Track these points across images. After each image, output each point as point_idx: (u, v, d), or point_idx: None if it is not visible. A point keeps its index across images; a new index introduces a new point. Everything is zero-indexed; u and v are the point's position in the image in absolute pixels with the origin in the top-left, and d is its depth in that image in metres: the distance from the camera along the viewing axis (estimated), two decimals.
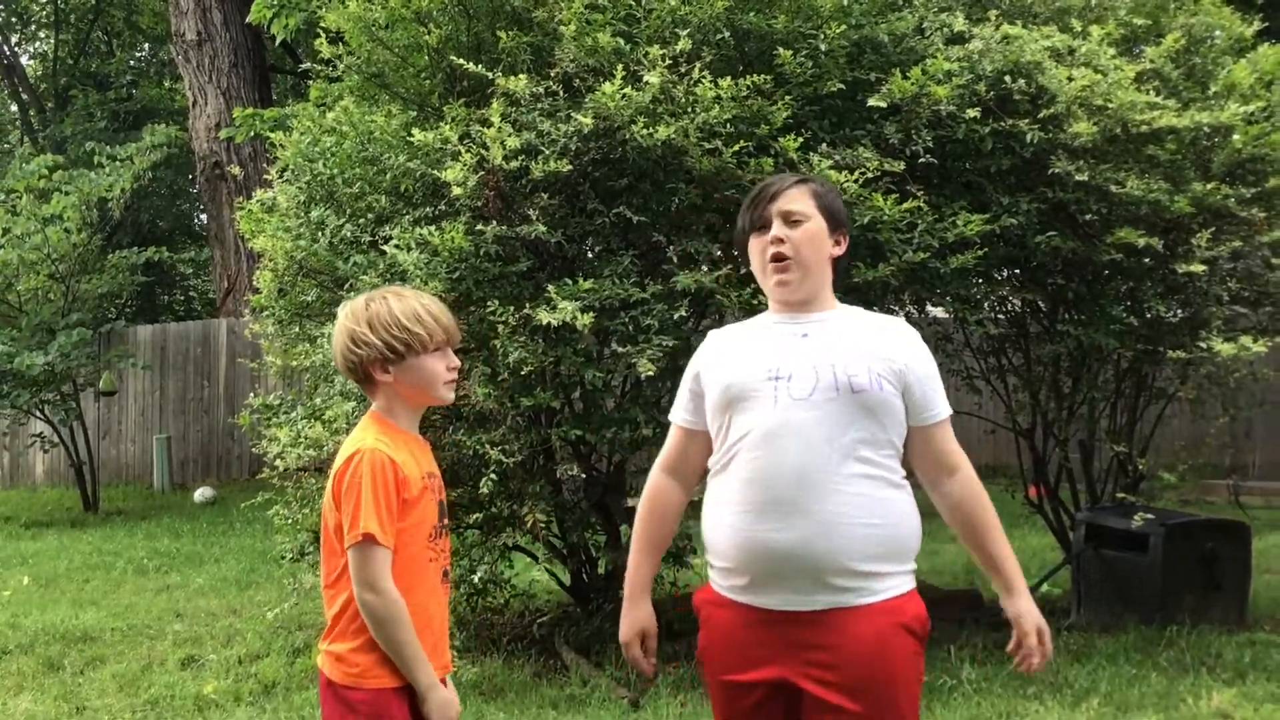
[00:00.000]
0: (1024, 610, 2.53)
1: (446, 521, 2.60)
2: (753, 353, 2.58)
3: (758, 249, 2.61)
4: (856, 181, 4.95)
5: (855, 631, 2.39)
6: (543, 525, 5.33)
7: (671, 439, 2.76)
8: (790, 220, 2.58)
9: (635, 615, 2.73)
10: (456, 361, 2.60)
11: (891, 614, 2.43)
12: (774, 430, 2.45)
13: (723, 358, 2.64)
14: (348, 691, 2.45)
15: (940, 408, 2.57)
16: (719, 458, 2.56)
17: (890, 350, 2.54)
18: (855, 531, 2.41)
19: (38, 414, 12.18)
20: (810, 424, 2.43)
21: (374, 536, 2.37)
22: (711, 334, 2.77)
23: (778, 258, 2.57)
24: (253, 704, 5.17)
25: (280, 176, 5.95)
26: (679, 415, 2.73)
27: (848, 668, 2.38)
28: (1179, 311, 6.08)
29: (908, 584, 2.50)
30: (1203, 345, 5.67)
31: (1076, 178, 5.39)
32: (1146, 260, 5.74)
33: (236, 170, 12.34)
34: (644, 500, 2.76)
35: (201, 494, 12.85)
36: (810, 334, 2.56)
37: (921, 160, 5.28)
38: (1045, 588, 6.71)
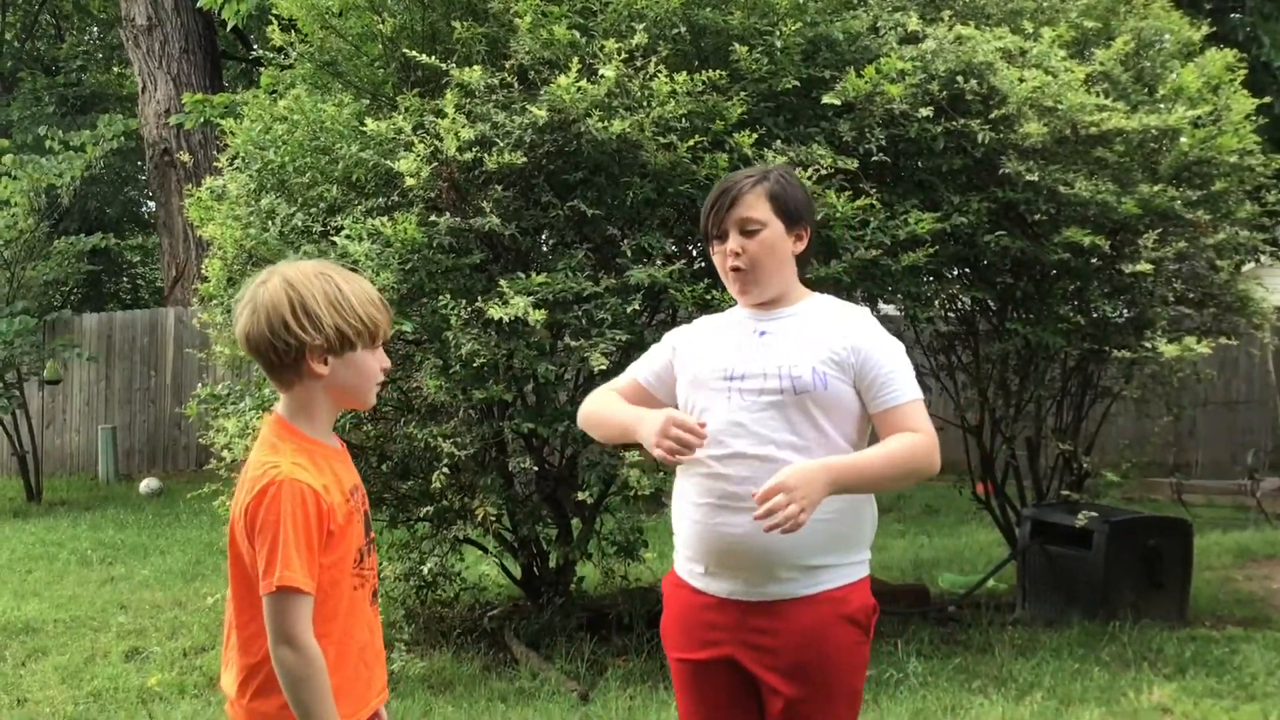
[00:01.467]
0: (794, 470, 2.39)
1: (372, 536, 2.31)
2: (715, 349, 2.64)
3: (718, 258, 2.66)
4: (810, 179, 4.96)
5: (797, 619, 2.48)
6: (494, 518, 5.31)
7: (626, 383, 2.79)
8: (746, 230, 2.60)
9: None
10: (388, 362, 2.29)
11: (835, 604, 2.49)
12: (726, 430, 2.52)
13: (694, 349, 2.71)
14: None
15: (899, 391, 2.52)
16: None
17: (840, 341, 2.54)
18: (806, 527, 2.41)
19: None
20: (759, 425, 2.50)
21: (295, 586, 2.06)
22: (699, 320, 2.83)
23: (736, 269, 2.61)
24: (197, 696, 5.12)
25: (230, 164, 5.89)
26: (642, 373, 2.78)
27: (786, 653, 2.48)
28: (1125, 311, 6.17)
29: (858, 573, 2.55)
30: (1147, 345, 5.76)
31: (1026, 178, 5.45)
32: (1094, 260, 5.82)
33: (186, 157, 12.17)
34: (592, 399, 2.79)
35: (147, 485, 12.69)
36: (769, 332, 2.61)
37: (874, 159, 5.32)
38: (991, 583, 6.78)
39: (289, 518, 2.07)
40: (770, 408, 2.50)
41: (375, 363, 2.24)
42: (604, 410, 2.72)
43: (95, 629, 6.34)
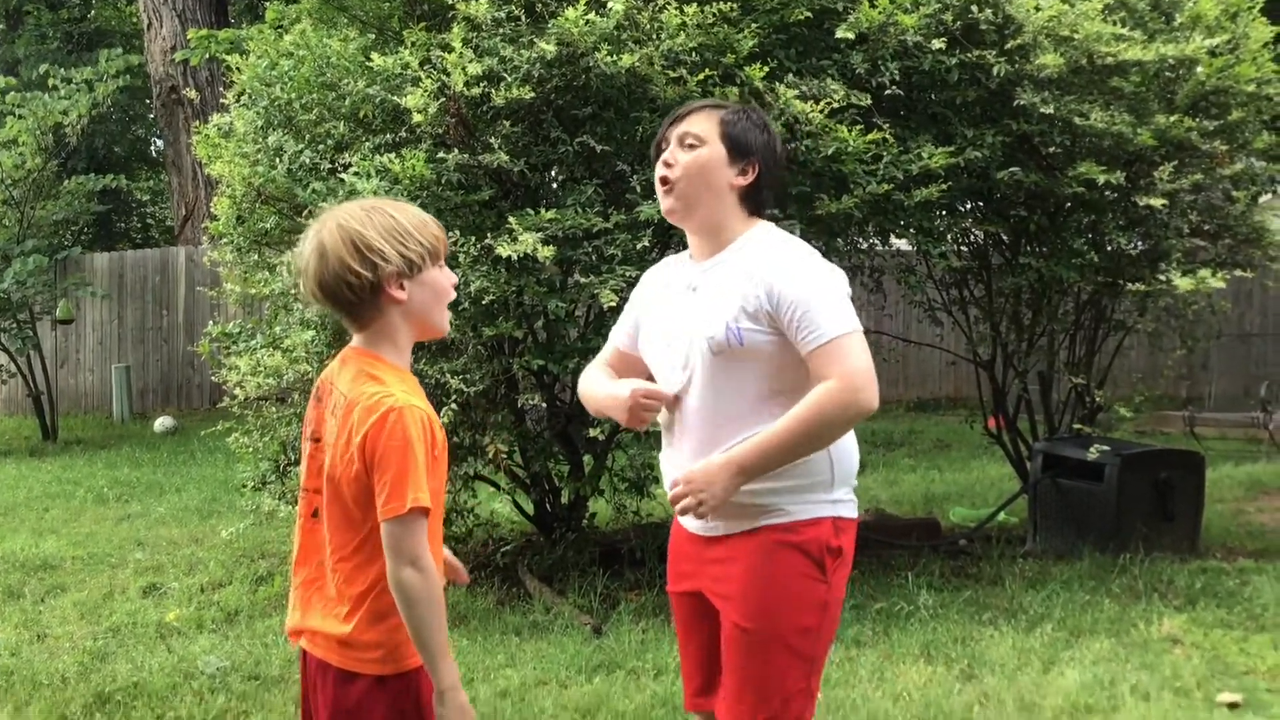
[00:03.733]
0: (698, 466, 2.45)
1: None
2: (657, 308, 2.66)
3: (656, 172, 2.61)
4: (822, 112, 4.91)
5: (745, 549, 2.50)
6: (505, 455, 5.33)
7: (609, 353, 2.83)
8: (685, 143, 2.55)
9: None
10: (454, 277, 2.34)
11: (781, 532, 2.47)
12: (672, 387, 2.56)
13: (644, 307, 2.72)
14: (380, 680, 2.19)
15: (818, 331, 2.40)
16: None
17: (754, 288, 2.45)
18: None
19: None
20: (694, 392, 2.52)
21: (424, 507, 2.11)
22: (654, 269, 2.80)
23: (663, 180, 2.56)
24: (215, 631, 5.19)
25: (237, 101, 5.84)
26: (619, 337, 2.80)
27: (734, 581, 2.50)
28: (1139, 244, 6.12)
29: (815, 511, 2.49)
30: (1162, 278, 5.72)
31: (1041, 110, 5.38)
32: (1108, 194, 5.76)
33: (193, 94, 12.08)
34: (581, 382, 2.82)
35: (162, 423, 12.76)
36: (700, 287, 2.56)
37: (888, 92, 5.25)
38: (1002, 516, 6.81)
39: (415, 441, 2.12)
40: (699, 371, 2.50)
41: (445, 279, 2.30)
42: (588, 395, 2.75)
43: (113, 565, 6.41)
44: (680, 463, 2.55)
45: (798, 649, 2.47)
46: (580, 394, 2.80)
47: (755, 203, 2.59)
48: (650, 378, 2.67)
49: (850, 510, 2.55)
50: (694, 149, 2.53)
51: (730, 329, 2.44)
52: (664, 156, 2.57)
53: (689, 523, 2.60)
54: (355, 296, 2.20)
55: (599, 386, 2.70)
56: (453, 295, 2.32)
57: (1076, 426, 6.48)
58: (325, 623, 2.24)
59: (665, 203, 2.58)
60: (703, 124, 2.55)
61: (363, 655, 2.20)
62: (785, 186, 2.69)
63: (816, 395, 2.39)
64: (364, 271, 2.18)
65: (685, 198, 2.54)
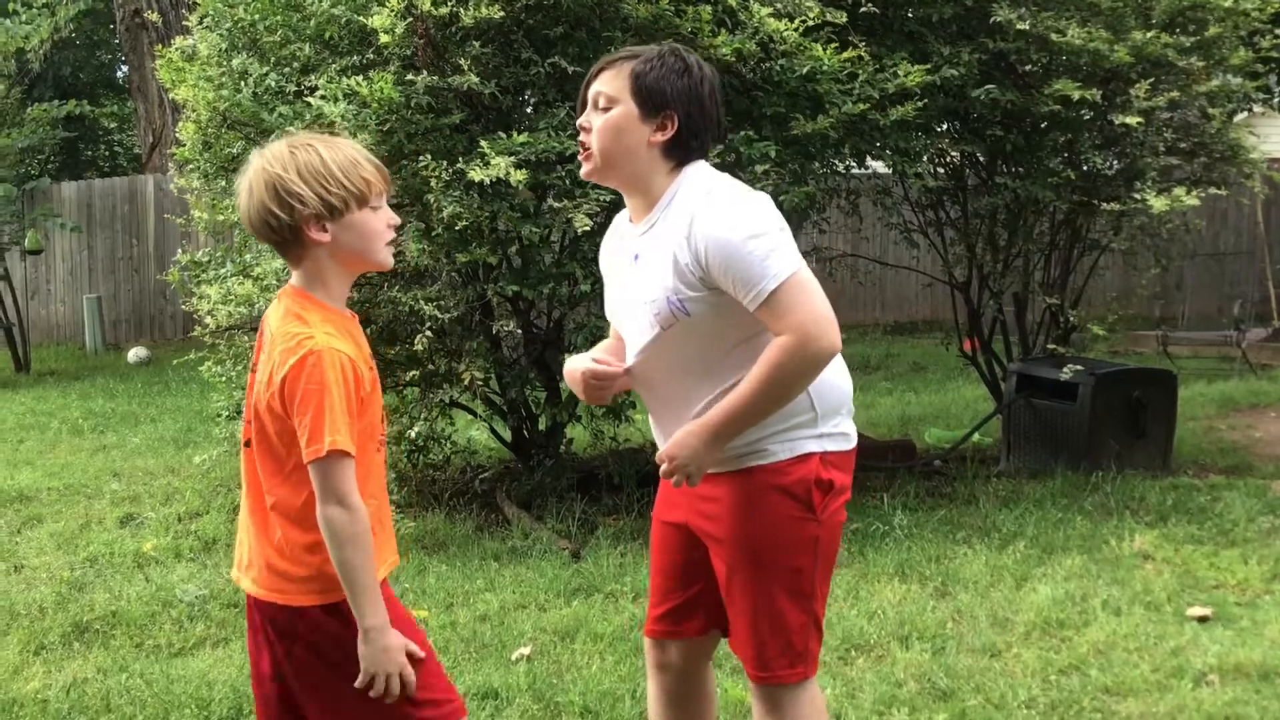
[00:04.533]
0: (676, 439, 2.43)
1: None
2: (610, 278, 2.63)
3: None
4: (797, 30, 4.84)
5: (734, 489, 2.47)
6: (481, 382, 5.31)
7: (612, 331, 2.78)
8: (598, 105, 2.46)
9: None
10: (395, 218, 2.31)
11: (771, 474, 2.44)
12: (633, 363, 2.53)
13: (607, 280, 2.68)
14: (325, 609, 2.20)
15: (757, 287, 2.30)
16: None
17: (683, 253, 2.36)
18: None
19: None
20: (656, 362, 2.48)
21: (344, 450, 2.11)
22: (604, 239, 2.71)
23: (581, 144, 2.49)
24: (193, 560, 5.19)
25: (200, 23, 5.72)
26: (608, 311, 2.74)
27: (721, 521, 2.48)
28: (1115, 163, 6.11)
29: (806, 447, 2.45)
30: (1137, 197, 5.71)
31: (1018, 26, 5.33)
32: (1084, 112, 5.73)
33: (156, 17, 11.80)
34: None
35: (135, 354, 12.68)
36: (641, 255, 2.49)
37: (863, 9, 5.19)
38: (976, 437, 6.85)
39: (332, 385, 2.12)
40: (655, 342, 2.45)
41: (378, 221, 2.25)
42: (567, 378, 2.69)
43: (89, 496, 6.39)
44: (665, 429, 2.53)
45: (793, 587, 2.46)
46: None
47: (681, 153, 2.47)
48: None
49: (840, 443, 2.50)
50: (606, 111, 2.44)
51: (671, 302, 2.38)
52: (579, 120, 2.49)
53: None
54: (278, 236, 2.22)
55: (569, 363, 2.67)
56: (388, 236, 2.27)
57: (1051, 347, 6.50)
58: (263, 554, 2.24)
59: (585, 168, 2.50)
60: (613, 81, 2.44)
61: (301, 586, 2.20)
62: (720, 124, 2.56)
63: (771, 354, 2.32)
64: (281, 214, 2.18)
65: (599, 166, 2.46)
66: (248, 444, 2.29)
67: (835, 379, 2.50)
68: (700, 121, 2.47)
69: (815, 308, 2.31)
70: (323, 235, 2.20)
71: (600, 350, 2.72)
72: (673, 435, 2.45)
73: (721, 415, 2.38)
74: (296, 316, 2.20)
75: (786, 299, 2.29)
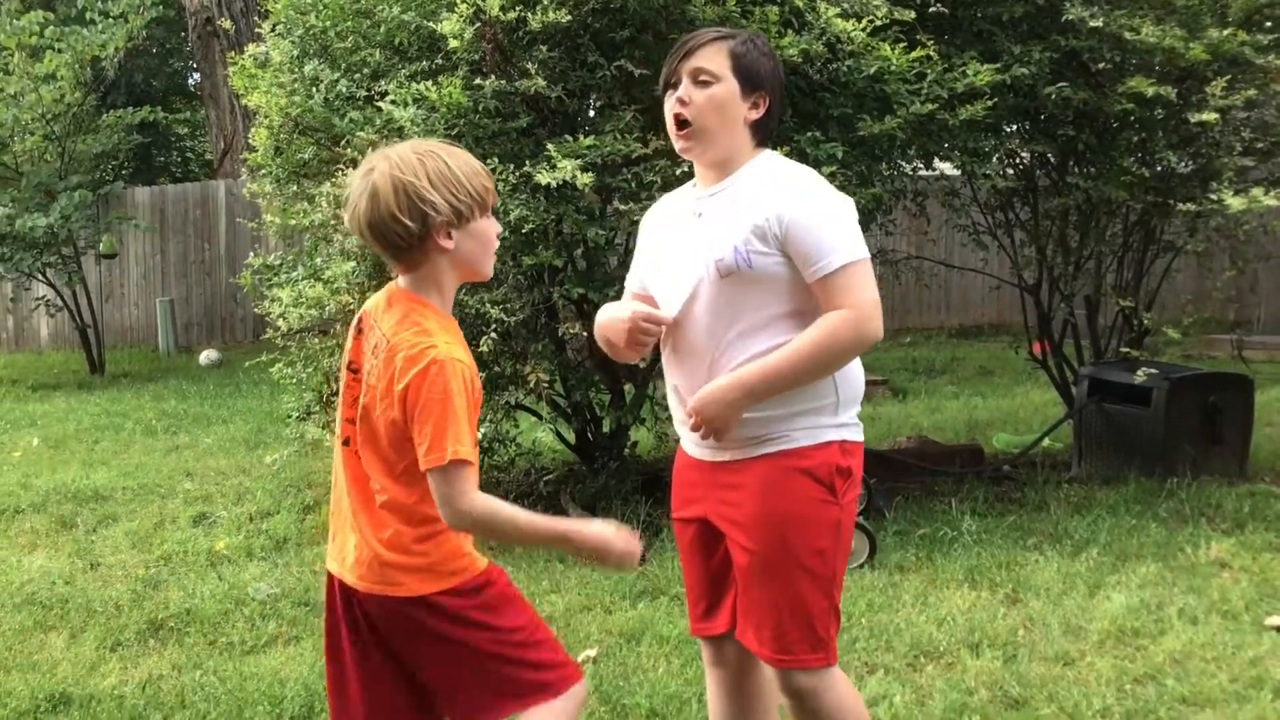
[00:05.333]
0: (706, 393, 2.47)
1: None
2: (661, 240, 2.65)
3: (667, 108, 2.56)
4: (865, 30, 4.81)
5: (756, 474, 2.50)
6: (546, 384, 5.33)
7: (625, 296, 2.81)
8: (698, 80, 2.50)
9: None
10: (499, 226, 2.35)
11: (792, 458, 2.47)
12: (676, 321, 2.55)
13: (648, 238, 2.72)
14: (457, 590, 2.29)
15: (827, 259, 2.39)
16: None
17: (763, 211, 2.42)
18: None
19: (40, 277, 12.15)
20: (699, 314, 2.50)
21: (465, 459, 2.14)
22: (658, 203, 2.77)
23: (679, 121, 2.52)
24: (264, 559, 5.26)
25: (272, 30, 5.80)
26: (632, 281, 2.78)
27: (744, 506, 2.50)
28: (1190, 163, 5.99)
29: (825, 435, 2.49)
30: (1213, 197, 5.59)
31: (1090, 24, 5.25)
32: (1158, 110, 5.63)
33: (228, 24, 12.03)
34: (600, 311, 2.79)
35: (207, 356, 12.90)
36: (705, 212, 2.54)
37: (932, 9, 5.15)
38: (1046, 442, 6.75)
39: (455, 394, 2.15)
40: (705, 293, 2.48)
41: (492, 229, 2.29)
42: (598, 323, 2.70)
43: (163, 496, 6.50)
44: (683, 382, 2.56)
45: (814, 570, 2.49)
46: (595, 328, 2.76)
47: (764, 133, 2.57)
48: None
49: (856, 434, 2.56)
50: (708, 85, 2.49)
51: (739, 252, 2.43)
52: (678, 94, 2.52)
53: (694, 448, 2.62)
54: (403, 243, 2.21)
55: (604, 313, 2.69)
56: (496, 244, 2.33)
57: (1124, 350, 6.39)
58: (372, 549, 2.27)
59: (680, 143, 2.55)
60: (715, 58, 2.50)
61: (416, 576, 2.26)
62: (783, 112, 2.66)
63: (830, 322, 2.39)
64: (411, 223, 2.18)
65: (701, 139, 2.52)
66: (346, 442, 2.32)
67: (857, 371, 2.57)
68: (781, 105, 2.60)
69: (874, 293, 2.44)
70: (448, 243, 2.22)
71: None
72: (696, 392, 2.48)
73: (758, 373, 2.42)
74: (416, 324, 2.22)
75: (851, 278, 2.41)
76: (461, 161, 2.24)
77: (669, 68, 2.55)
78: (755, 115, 2.52)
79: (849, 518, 2.54)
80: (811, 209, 2.42)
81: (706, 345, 2.50)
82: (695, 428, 2.48)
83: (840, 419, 2.52)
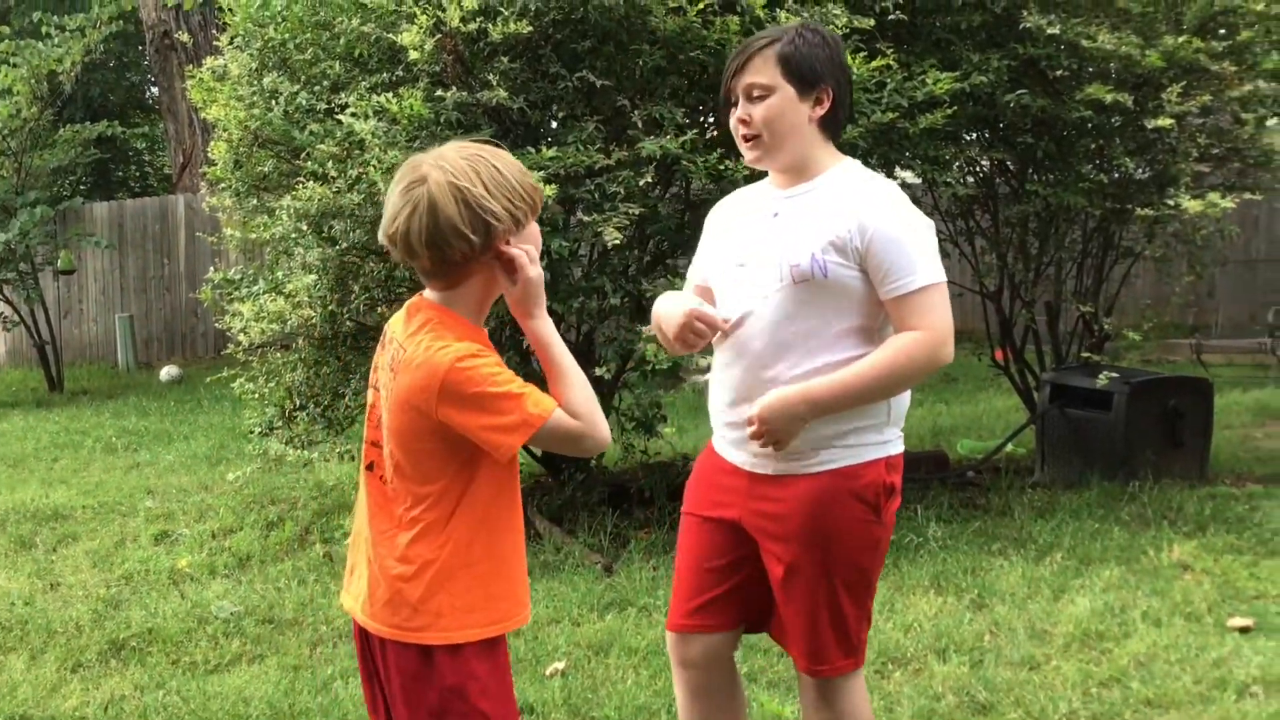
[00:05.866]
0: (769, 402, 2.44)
1: None
2: (731, 234, 2.61)
3: (732, 126, 2.57)
4: None
5: (802, 492, 2.48)
6: None
7: (687, 287, 2.77)
8: (752, 96, 2.50)
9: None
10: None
11: (841, 478, 2.47)
12: (738, 321, 2.52)
13: (716, 233, 2.68)
14: (427, 650, 2.06)
15: (906, 279, 2.39)
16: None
17: (846, 222, 2.41)
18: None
19: None
20: (765, 317, 2.47)
21: (543, 414, 1.99)
22: (732, 195, 2.76)
23: (745, 138, 2.54)
24: (228, 576, 5.21)
25: (231, 43, 5.75)
26: (695, 274, 2.74)
27: (787, 520, 2.49)
28: (1147, 169, 6.05)
29: (872, 453, 2.50)
30: (1170, 203, 5.66)
31: (1048, 31, 5.30)
32: (1116, 117, 5.69)
33: (186, 38, 11.89)
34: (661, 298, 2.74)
35: (167, 373, 12.77)
36: (781, 213, 2.53)
37: (891, 17, 5.17)
38: (1010, 448, 6.80)
39: (482, 369, 1.99)
40: (775, 296, 2.46)
41: (538, 232, 2.13)
42: (655, 311, 2.64)
43: (124, 514, 6.42)
44: (739, 384, 2.51)
45: (854, 584, 2.52)
46: (652, 314, 2.71)
47: (835, 126, 2.56)
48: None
49: (899, 446, 2.56)
50: (763, 99, 2.48)
51: (816, 260, 2.41)
52: (738, 114, 2.52)
53: (735, 454, 2.58)
54: (462, 258, 2.01)
55: (663, 302, 2.63)
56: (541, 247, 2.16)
57: (1084, 355, 6.44)
58: (379, 586, 2.08)
59: (750, 155, 2.55)
60: (763, 69, 2.49)
61: (416, 622, 2.06)
62: (853, 91, 2.63)
63: (905, 342, 2.39)
64: (475, 236, 1.99)
65: (769, 151, 2.52)
66: (369, 467, 2.15)
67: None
68: (847, 87, 2.56)
69: (949, 318, 2.43)
70: (509, 250, 2.05)
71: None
72: (751, 399, 2.45)
73: (827, 388, 2.40)
74: (439, 337, 2.04)
75: (931, 300, 2.40)
76: (507, 162, 2.06)
77: (725, 86, 2.56)
78: (820, 112, 2.50)
79: (889, 532, 2.57)
80: (896, 225, 2.41)
81: (767, 349, 2.47)
82: (756, 435, 2.44)
83: (886, 435, 2.52)
